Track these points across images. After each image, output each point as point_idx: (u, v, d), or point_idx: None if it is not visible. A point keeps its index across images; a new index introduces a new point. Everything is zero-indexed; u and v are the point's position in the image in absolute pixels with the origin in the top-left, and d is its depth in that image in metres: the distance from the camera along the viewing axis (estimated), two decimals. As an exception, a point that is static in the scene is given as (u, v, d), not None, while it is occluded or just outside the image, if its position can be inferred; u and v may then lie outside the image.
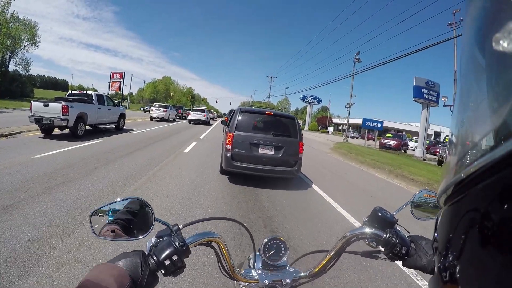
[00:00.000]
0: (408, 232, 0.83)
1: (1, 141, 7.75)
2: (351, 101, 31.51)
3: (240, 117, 5.99)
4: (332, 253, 0.88)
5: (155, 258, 0.64)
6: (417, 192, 0.92)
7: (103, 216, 0.69)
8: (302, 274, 0.92)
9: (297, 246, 3.42)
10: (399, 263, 3.04)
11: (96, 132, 12.02)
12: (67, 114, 9.20)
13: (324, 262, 0.89)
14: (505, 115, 0.23)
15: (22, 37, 40.79)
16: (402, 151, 24.04)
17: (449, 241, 0.34)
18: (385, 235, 0.79)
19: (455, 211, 0.33)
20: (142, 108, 52.70)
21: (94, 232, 0.67)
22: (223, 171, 6.31)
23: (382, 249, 0.81)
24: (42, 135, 9.55)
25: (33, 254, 2.64)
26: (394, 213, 0.87)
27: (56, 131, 10.35)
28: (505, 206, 0.23)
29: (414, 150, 25.49)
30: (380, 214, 0.84)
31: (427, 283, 2.88)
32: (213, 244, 0.80)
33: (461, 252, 0.30)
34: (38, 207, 3.64)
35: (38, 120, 9.09)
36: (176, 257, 0.65)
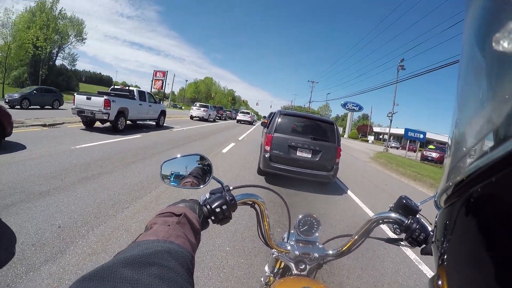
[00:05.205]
0: (431, 224, 0.81)
1: (44, 131, 8.18)
2: (393, 109, 29.62)
3: (280, 119, 6.10)
4: (358, 235, 0.93)
5: (208, 206, 0.72)
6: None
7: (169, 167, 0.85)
8: (330, 252, 0.99)
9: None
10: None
11: (136, 127, 12.36)
12: (109, 108, 9.39)
13: (350, 243, 0.94)
14: (505, 115, 0.24)
15: (70, 33, 44.01)
16: (445, 164, 22.87)
17: (448, 241, 0.33)
18: (407, 221, 0.83)
19: (455, 211, 0.32)
20: (176, 105, 52.68)
21: (162, 179, 0.84)
22: (260, 172, 6.40)
23: (404, 236, 0.84)
24: (83, 127, 10.01)
25: (62, 241, 2.59)
26: (419, 204, 0.89)
27: (97, 124, 10.81)
28: (505, 207, 0.23)
29: (456, 165, 24.00)
30: (404, 201, 0.88)
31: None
32: (256, 206, 0.86)
33: (460, 252, 0.30)
34: (72, 195, 3.66)
35: (80, 112, 9.38)
36: (226, 207, 0.72)
